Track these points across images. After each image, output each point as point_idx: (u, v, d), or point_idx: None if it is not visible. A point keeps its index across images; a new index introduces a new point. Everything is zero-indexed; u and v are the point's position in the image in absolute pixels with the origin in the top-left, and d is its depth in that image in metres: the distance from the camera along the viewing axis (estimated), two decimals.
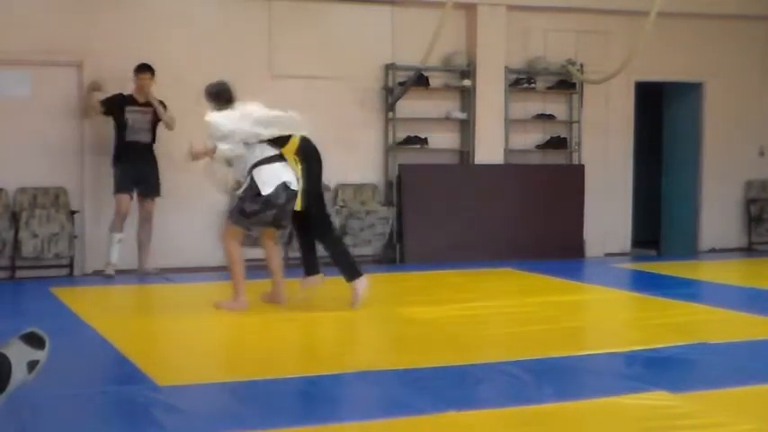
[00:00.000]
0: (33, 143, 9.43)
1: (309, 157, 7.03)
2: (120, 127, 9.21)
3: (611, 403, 4.53)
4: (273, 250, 7.39)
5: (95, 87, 9.21)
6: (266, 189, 6.81)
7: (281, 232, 8.01)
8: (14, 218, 9.19)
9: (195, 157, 7.12)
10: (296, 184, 6.92)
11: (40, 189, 9.47)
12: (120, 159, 9.24)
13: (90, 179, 9.58)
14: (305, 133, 7.09)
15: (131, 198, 9.25)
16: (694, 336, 6.22)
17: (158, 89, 9.39)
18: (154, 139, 9.34)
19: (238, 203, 7.06)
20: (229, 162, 7.11)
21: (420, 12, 10.53)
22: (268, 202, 6.85)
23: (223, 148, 6.92)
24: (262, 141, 6.95)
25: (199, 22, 9.98)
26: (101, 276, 9.17)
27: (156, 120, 9.29)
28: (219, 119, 6.95)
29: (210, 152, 7.03)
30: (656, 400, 4.53)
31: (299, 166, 7.01)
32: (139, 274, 9.27)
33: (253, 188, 6.87)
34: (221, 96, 7.16)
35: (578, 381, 5.17)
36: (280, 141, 6.98)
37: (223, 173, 7.22)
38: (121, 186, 9.20)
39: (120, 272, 9.33)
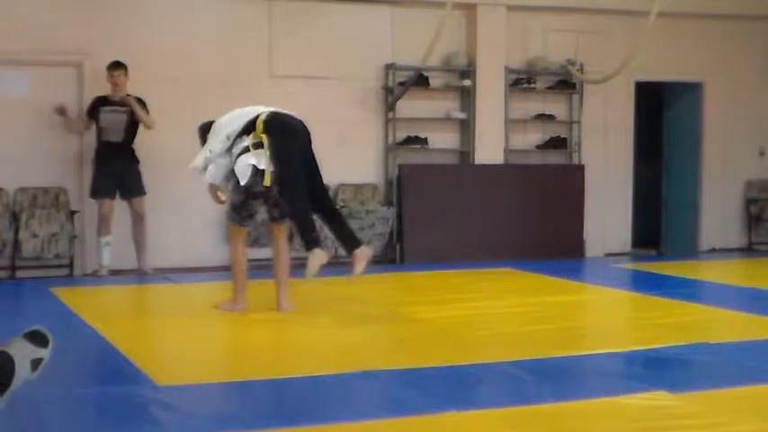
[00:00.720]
0: (33, 143, 9.44)
1: (274, 128, 6.81)
2: (98, 128, 9.20)
3: (611, 403, 4.53)
4: (280, 251, 7.19)
5: (61, 112, 9.17)
6: (243, 179, 6.81)
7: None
8: (14, 218, 9.19)
9: (218, 199, 7.21)
10: (264, 163, 6.83)
11: (40, 189, 9.47)
12: (97, 161, 9.23)
13: (90, 179, 9.56)
14: (273, 109, 6.94)
15: (112, 200, 9.23)
16: (694, 336, 6.22)
17: (158, 89, 9.39)
18: (130, 140, 9.25)
19: (229, 200, 7.07)
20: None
21: (420, 12, 10.53)
22: (248, 190, 6.85)
23: (208, 176, 6.99)
24: (237, 138, 6.91)
25: (199, 22, 9.98)
26: (93, 277, 9.18)
27: (132, 119, 9.20)
28: (196, 161, 7.03)
29: (213, 188, 7.13)
30: (656, 400, 4.53)
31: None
32: (138, 275, 9.27)
33: (235, 181, 6.90)
34: (204, 131, 7.20)
35: (578, 381, 5.17)
36: (250, 130, 6.92)
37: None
38: (99, 190, 9.19)
39: (119, 272, 9.34)
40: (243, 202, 6.90)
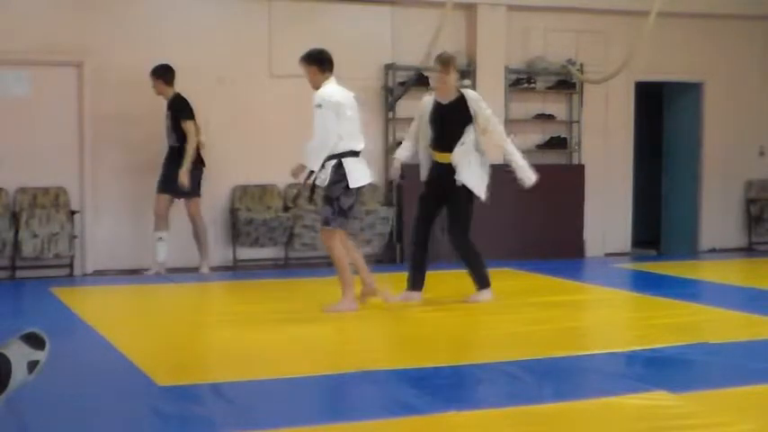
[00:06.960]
0: (33, 143, 9.44)
1: None
2: (192, 130, 9.15)
3: (611, 403, 4.53)
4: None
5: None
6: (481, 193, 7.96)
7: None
8: (14, 218, 9.20)
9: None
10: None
11: (40, 189, 9.47)
12: (195, 162, 9.18)
13: (90, 179, 9.58)
14: None
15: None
16: (694, 336, 6.22)
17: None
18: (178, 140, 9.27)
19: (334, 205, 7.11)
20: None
21: (420, 12, 10.53)
22: (357, 196, 7.42)
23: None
24: None
25: (199, 21, 9.98)
26: (151, 276, 9.15)
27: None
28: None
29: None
30: (656, 400, 4.53)
31: None
32: (197, 275, 9.30)
33: (345, 185, 7.21)
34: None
35: (578, 381, 5.17)
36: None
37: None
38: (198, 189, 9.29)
39: (121, 272, 9.35)
40: (351, 207, 7.10)
